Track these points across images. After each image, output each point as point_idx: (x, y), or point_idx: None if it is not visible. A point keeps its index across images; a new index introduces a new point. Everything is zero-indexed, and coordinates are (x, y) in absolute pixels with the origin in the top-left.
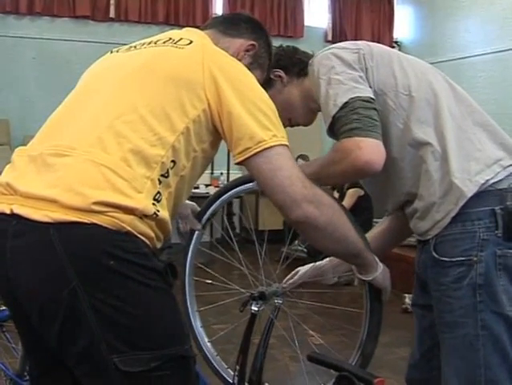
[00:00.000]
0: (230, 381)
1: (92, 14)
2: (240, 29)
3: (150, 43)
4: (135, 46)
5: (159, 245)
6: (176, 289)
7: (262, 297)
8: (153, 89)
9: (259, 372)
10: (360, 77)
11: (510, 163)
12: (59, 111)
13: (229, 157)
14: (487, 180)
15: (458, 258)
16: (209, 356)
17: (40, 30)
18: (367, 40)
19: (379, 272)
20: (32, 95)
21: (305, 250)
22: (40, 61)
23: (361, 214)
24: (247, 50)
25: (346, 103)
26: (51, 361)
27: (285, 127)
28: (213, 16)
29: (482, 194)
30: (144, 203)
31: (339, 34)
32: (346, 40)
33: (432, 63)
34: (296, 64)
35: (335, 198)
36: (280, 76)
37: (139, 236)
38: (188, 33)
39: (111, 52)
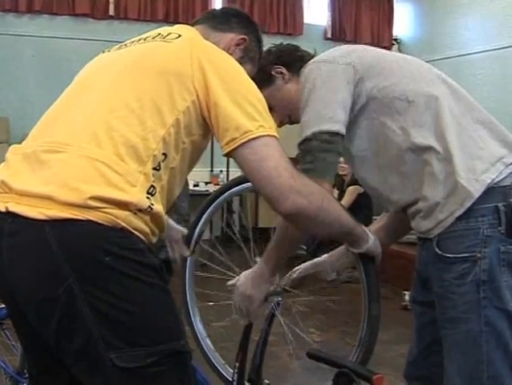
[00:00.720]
0: (227, 377)
1: (92, 12)
2: (230, 23)
3: (140, 40)
4: (125, 45)
5: (154, 240)
6: (174, 287)
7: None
8: (144, 84)
9: (258, 369)
10: (340, 100)
11: None
12: (53, 109)
13: None
14: (493, 180)
15: (462, 254)
16: (207, 351)
17: (39, 28)
18: (367, 38)
19: (371, 243)
20: (31, 93)
21: (304, 248)
22: (39, 59)
23: (361, 211)
24: (238, 45)
25: (306, 138)
26: (49, 359)
27: (284, 124)
28: (203, 12)
29: (486, 191)
30: (138, 196)
31: (338, 31)
32: (345, 38)
33: (431, 61)
34: (297, 61)
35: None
36: (282, 72)
37: (134, 232)
38: (178, 28)
39: (103, 52)
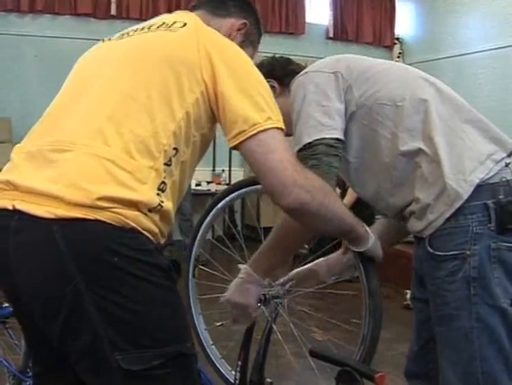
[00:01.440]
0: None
1: (94, 12)
2: (228, 8)
3: (143, 29)
4: (127, 33)
5: (163, 241)
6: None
7: (261, 300)
8: (150, 75)
9: (261, 368)
10: (334, 107)
11: (502, 156)
12: (55, 104)
13: (230, 154)
14: (481, 178)
15: (452, 252)
16: (213, 358)
17: (41, 27)
18: (368, 37)
19: (371, 243)
20: (33, 92)
21: (306, 246)
22: (41, 59)
23: (363, 210)
24: (239, 29)
25: (309, 143)
26: (54, 358)
27: None
28: None
29: (474, 189)
30: (148, 195)
31: (340, 31)
32: (347, 38)
33: (433, 60)
34: (289, 75)
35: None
36: (273, 86)
37: (143, 232)
38: (181, 15)
39: (103, 41)
